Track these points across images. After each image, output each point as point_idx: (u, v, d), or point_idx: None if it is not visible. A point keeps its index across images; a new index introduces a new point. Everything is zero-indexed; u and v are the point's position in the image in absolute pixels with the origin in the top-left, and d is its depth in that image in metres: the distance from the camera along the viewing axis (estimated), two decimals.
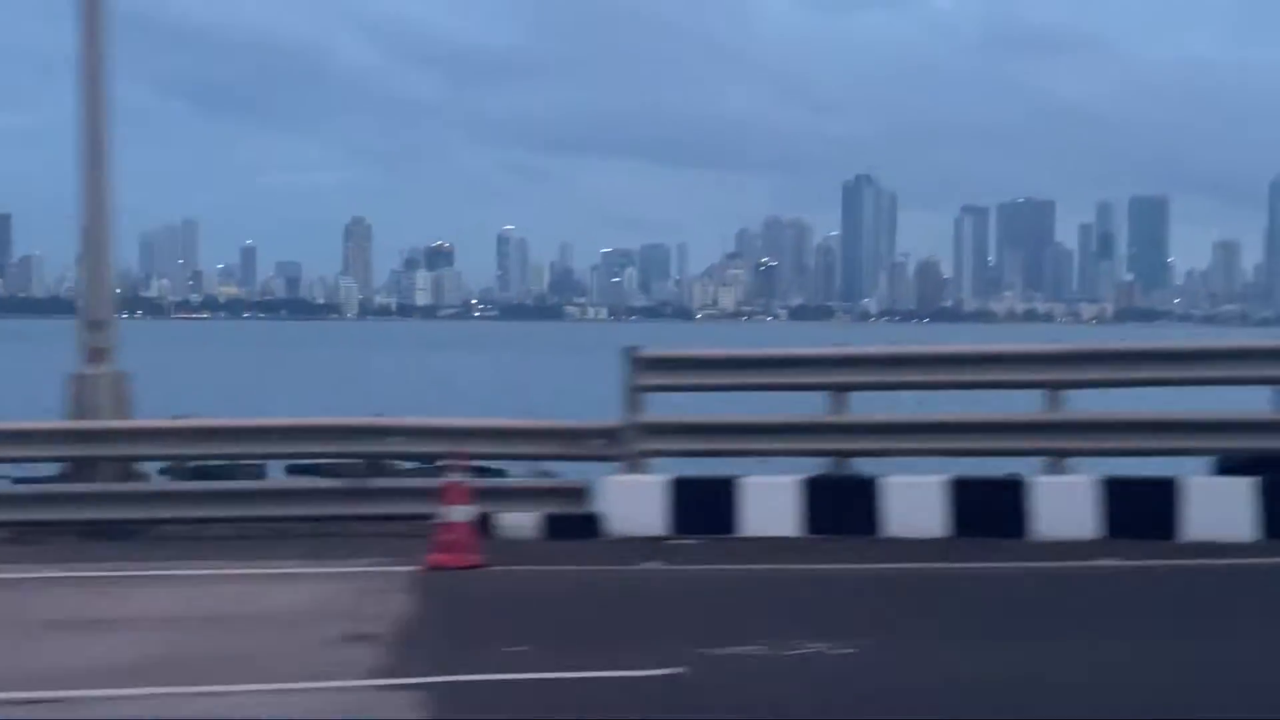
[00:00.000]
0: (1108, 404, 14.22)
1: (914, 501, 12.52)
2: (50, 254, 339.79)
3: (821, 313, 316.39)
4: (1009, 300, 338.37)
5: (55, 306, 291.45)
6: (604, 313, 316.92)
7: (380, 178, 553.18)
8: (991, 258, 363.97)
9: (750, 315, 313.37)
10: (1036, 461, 13.21)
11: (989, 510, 12.39)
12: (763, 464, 13.63)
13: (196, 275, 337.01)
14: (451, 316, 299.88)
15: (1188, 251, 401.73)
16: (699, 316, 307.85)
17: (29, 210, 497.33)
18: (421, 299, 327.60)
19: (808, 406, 13.87)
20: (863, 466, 13.61)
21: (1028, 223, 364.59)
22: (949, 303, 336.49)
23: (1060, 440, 13.00)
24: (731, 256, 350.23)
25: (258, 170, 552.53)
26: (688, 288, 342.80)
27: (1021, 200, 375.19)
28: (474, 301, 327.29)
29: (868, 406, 13.82)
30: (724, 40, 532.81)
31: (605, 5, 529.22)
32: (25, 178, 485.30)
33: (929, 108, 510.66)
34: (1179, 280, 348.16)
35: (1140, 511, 12.10)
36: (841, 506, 12.64)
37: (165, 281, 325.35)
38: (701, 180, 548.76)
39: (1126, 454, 13.03)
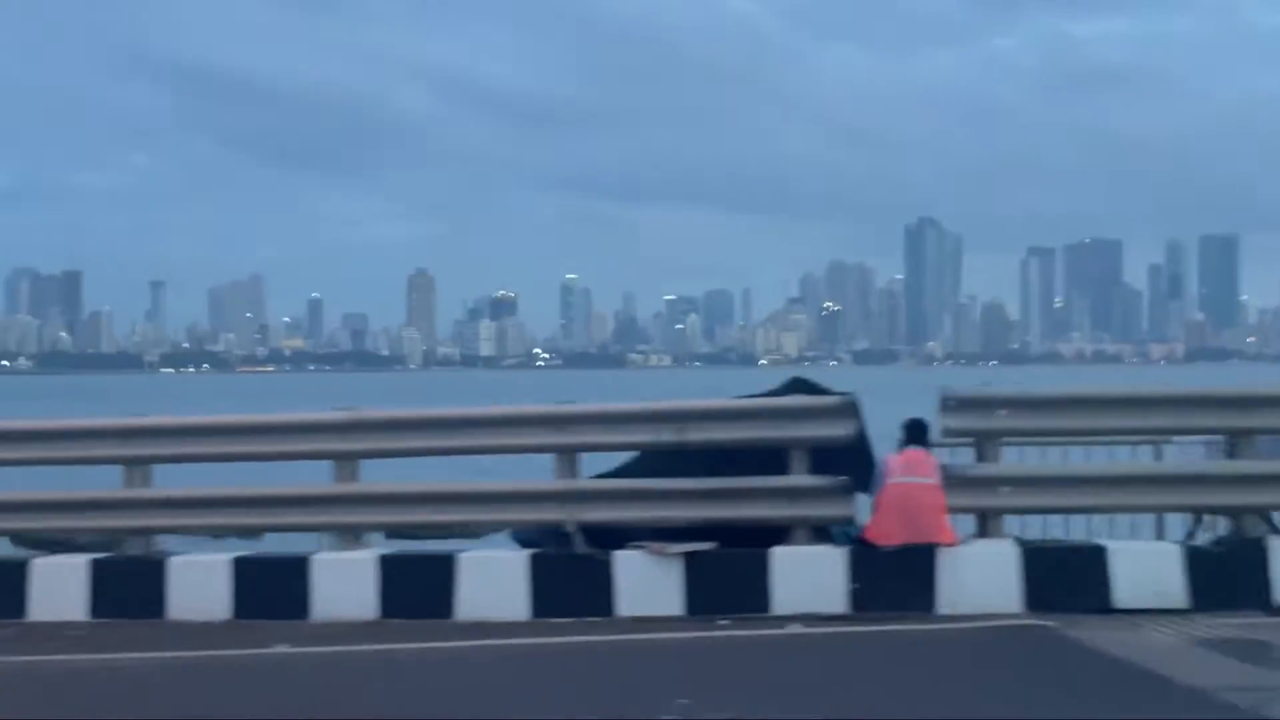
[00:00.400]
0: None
1: (198, 583, 11.40)
2: (119, 310, 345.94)
3: (886, 356, 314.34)
4: (1077, 342, 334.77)
5: (123, 361, 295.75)
6: (667, 360, 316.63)
7: (444, 229, 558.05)
8: (1059, 299, 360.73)
9: (814, 360, 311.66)
10: (324, 537, 12.12)
11: (271, 592, 11.23)
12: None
13: (263, 329, 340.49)
14: (514, 366, 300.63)
15: (1260, 290, 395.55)
16: (763, 362, 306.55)
17: (99, 267, 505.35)
18: (485, 349, 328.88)
19: (106, 481, 12.46)
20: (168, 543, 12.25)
21: (1095, 263, 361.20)
22: (1015, 345, 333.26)
23: (349, 514, 11.84)
24: (794, 301, 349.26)
25: (324, 223, 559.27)
26: (751, 333, 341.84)
27: (1088, 241, 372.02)
28: (537, 351, 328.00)
29: (174, 479, 12.42)
30: (785, 87, 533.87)
31: (667, 55, 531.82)
32: (97, 236, 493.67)
33: (993, 148, 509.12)
34: (1252, 319, 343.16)
35: (418, 589, 11.06)
36: (127, 590, 11.36)
37: (231, 335, 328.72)
38: (765, 226, 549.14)
39: (416, 528, 11.94)
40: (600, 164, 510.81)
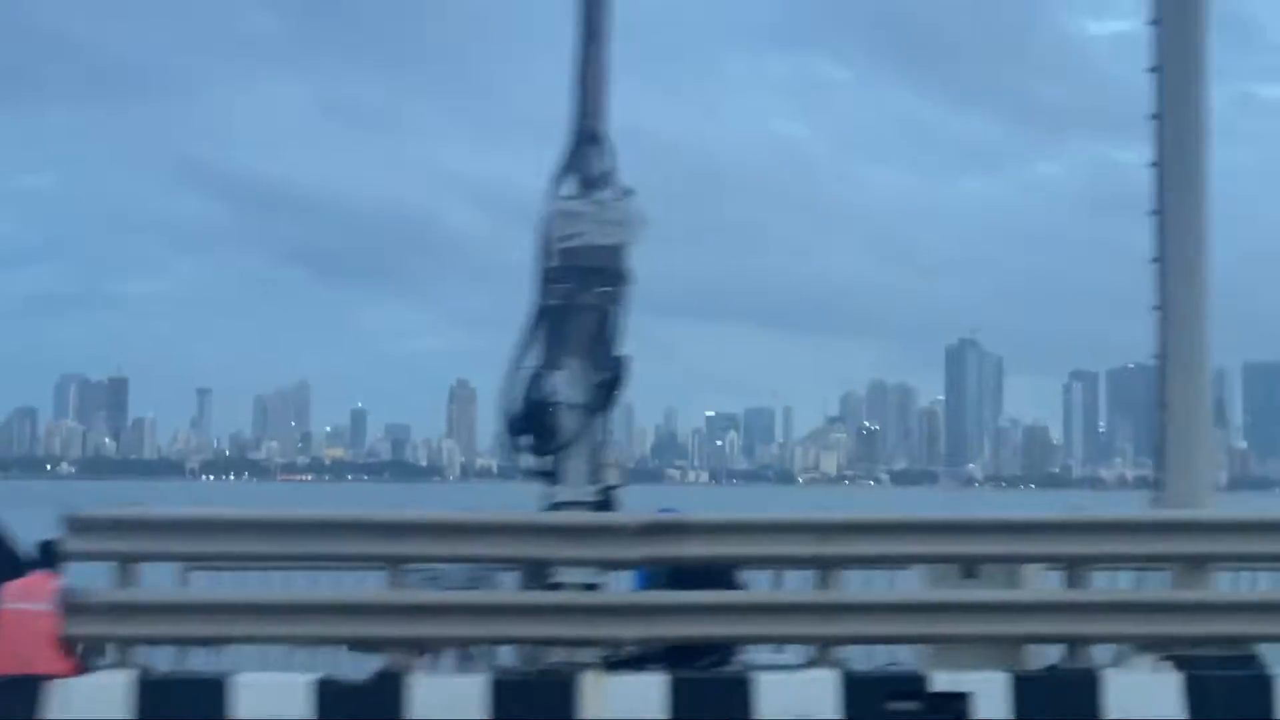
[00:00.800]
0: None
1: None
2: (164, 417, 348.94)
3: (925, 477, 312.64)
4: (1119, 467, 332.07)
5: (164, 468, 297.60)
6: (704, 476, 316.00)
7: (486, 341, 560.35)
8: (1103, 424, 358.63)
9: (853, 479, 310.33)
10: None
11: None
12: None
13: (305, 437, 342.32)
14: None
15: None
16: (801, 480, 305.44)
17: (143, 374, 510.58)
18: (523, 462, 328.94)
19: None
20: None
21: (1139, 388, 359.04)
22: (1056, 469, 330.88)
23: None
24: (834, 420, 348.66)
25: (371, 335, 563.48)
26: (790, 451, 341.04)
27: (1132, 366, 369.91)
28: None
29: None
30: (829, 206, 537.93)
31: (713, 175, 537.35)
32: (141, 342, 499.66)
33: (1036, 270, 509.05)
34: None
35: None
36: None
37: (274, 444, 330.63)
38: (807, 345, 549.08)
39: None
40: (643, 280, 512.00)
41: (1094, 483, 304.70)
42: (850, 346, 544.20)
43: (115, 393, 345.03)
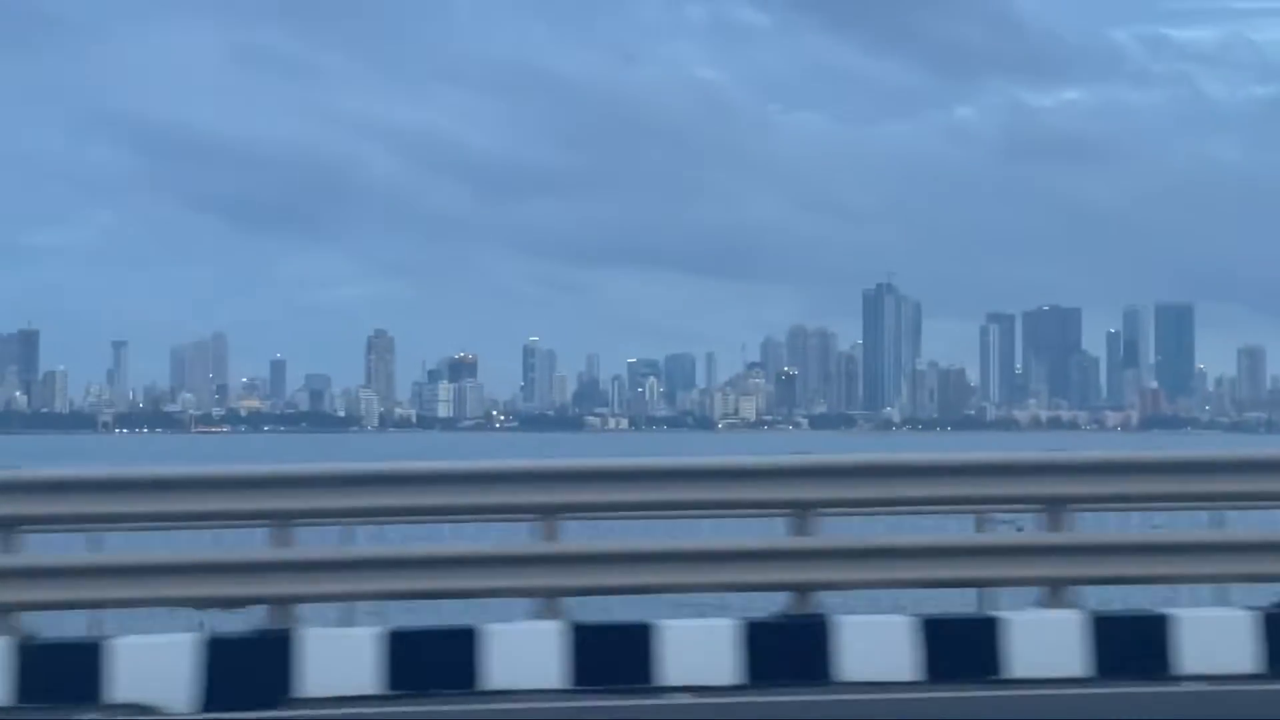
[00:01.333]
0: None
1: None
2: (78, 370, 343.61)
3: (843, 421, 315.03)
4: (1033, 408, 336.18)
5: (76, 421, 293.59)
6: (625, 423, 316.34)
7: (409, 291, 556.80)
8: (1019, 366, 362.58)
9: (772, 424, 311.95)
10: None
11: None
12: None
13: (222, 389, 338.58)
14: (472, 428, 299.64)
15: (1215, 358, 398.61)
16: (720, 426, 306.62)
17: (55, 326, 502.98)
18: (443, 410, 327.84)
19: None
20: None
21: (1053, 330, 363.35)
22: (971, 411, 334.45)
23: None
24: (754, 366, 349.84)
25: (290, 284, 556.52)
26: (710, 397, 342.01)
27: (1047, 308, 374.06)
28: (495, 413, 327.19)
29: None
30: (750, 152, 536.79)
31: (633, 120, 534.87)
32: (52, 294, 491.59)
33: (954, 215, 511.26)
34: (1210, 387, 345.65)
35: None
36: None
37: (189, 395, 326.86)
38: (729, 290, 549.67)
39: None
40: (566, 228, 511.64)
41: (1008, 424, 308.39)
42: (773, 292, 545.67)
43: (26, 345, 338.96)
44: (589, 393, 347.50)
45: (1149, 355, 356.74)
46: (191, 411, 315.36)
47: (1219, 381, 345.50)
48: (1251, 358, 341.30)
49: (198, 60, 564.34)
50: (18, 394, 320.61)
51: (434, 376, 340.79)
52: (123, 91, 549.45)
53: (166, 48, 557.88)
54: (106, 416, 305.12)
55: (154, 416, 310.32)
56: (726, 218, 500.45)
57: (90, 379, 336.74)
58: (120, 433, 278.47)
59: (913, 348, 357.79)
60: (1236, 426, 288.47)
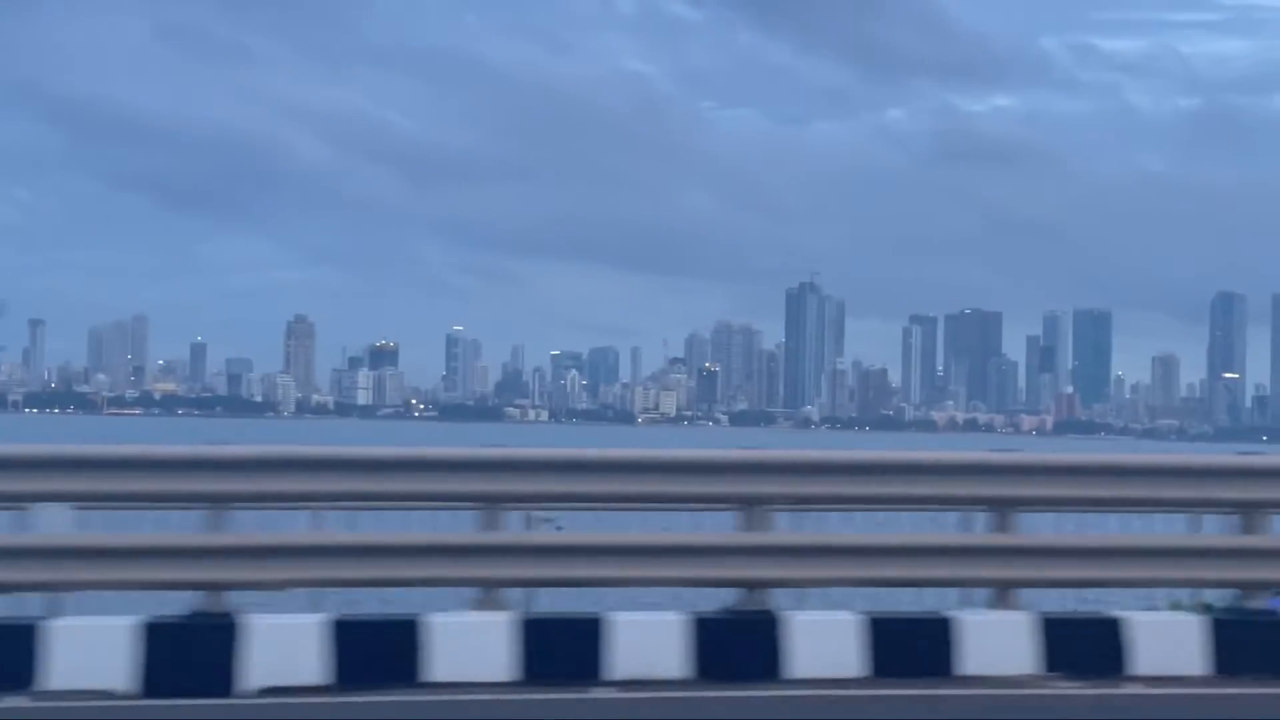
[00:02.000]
0: None
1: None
2: None
3: (763, 418, 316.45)
4: (951, 410, 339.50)
5: None
6: (544, 415, 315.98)
7: (334, 277, 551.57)
8: (940, 368, 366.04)
9: (692, 420, 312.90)
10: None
11: None
12: None
13: (138, 371, 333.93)
14: (390, 416, 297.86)
15: (1131, 365, 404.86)
16: (640, 420, 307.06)
17: None
18: (362, 398, 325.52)
19: None
20: None
21: (974, 333, 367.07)
22: (890, 411, 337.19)
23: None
24: (676, 361, 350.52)
25: (215, 267, 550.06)
26: (631, 392, 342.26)
27: (969, 311, 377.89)
28: (414, 401, 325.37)
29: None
30: (681, 147, 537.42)
31: (563, 111, 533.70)
32: None
33: (881, 217, 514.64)
34: (1126, 394, 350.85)
35: None
36: None
37: (103, 376, 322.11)
38: (656, 285, 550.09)
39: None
40: (494, 217, 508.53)
41: (926, 424, 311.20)
42: (700, 288, 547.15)
43: None
44: (512, 384, 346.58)
45: (1067, 360, 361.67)
46: (105, 393, 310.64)
47: (1134, 388, 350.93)
48: (1166, 366, 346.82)
49: (122, 37, 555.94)
50: None
51: (354, 364, 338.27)
52: (43, 66, 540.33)
53: (90, 24, 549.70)
54: (16, 396, 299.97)
55: (66, 397, 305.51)
56: (656, 212, 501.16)
57: (5, 358, 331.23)
58: (29, 412, 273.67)
59: (836, 347, 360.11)
60: (1149, 433, 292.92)
